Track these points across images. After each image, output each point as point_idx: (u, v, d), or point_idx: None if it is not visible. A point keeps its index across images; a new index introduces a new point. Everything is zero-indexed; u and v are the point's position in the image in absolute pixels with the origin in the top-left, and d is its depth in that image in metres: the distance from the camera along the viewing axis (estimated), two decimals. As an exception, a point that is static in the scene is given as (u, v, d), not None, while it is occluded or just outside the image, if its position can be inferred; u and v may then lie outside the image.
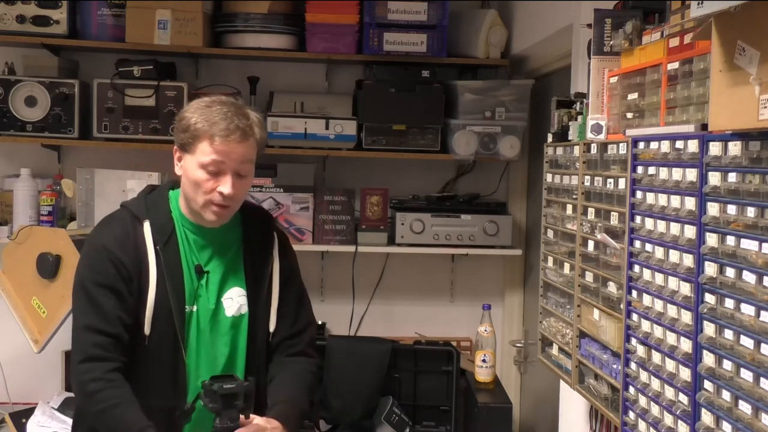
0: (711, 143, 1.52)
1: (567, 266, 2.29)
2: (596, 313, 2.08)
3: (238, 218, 2.15)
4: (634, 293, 1.84)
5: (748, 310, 1.39)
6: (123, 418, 1.91)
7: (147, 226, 2.03)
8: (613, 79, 2.07)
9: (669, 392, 1.68)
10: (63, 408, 3.33)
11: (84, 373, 1.95)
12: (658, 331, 1.73)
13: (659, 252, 1.72)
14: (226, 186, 1.98)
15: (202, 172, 1.99)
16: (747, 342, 1.39)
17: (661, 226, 1.72)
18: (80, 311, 2.02)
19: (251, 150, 2.03)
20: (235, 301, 2.09)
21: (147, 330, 1.99)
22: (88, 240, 2.13)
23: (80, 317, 2.01)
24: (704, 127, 1.56)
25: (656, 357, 1.74)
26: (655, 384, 1.74)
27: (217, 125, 1.97)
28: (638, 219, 1.83)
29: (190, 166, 2.01)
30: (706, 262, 1.52)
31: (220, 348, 2.06)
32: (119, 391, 1.94)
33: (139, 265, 2.00)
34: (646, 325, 1.79)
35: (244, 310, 2.10)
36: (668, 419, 1.68)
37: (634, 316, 1.84)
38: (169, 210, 2.08)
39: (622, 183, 1.92)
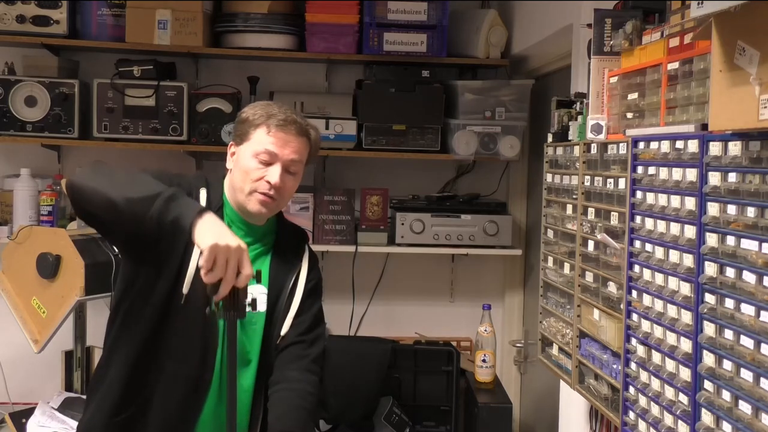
0: (711, 143, 1.52)
1: (567, 266, 2.29)
2: (596, 313, 2.08)
3: (274, 226, 2.18)
4: (634, 293, 1.84)
5: (748, 310, 1.39)
6: (149, 177, 1.86)
7: (203, 193, 2.06)
8: (613, 79, 2.07)
9: (669, 392, 1.68)
10: (63, 408, 3.33)
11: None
12: (658, 331, 1.73)
13: (659, 252, 1.72)
14: (274, 175, 2.02)
15: (254, 160, 2.03)
16: (747, 342, 1.39)
17: (661, 226, 1.72)
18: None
19: (304, 148, 2.08)
20: (255, 297, 2.09)
21: (185, 289, 1.94)
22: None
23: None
24: (704, 127, 1.56)
25: (656, 357, 1.74)
26: (655, 384, 1.74)
27: (275, 116, 2.04)
28: (638, 219, 1.83)
29: (244, 154, 2.05)
30: (706, 262, 1.52)
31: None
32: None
33: None
34: (646, 325, 1.79)
35: (262, 308, 2.09)
36: (668, 419, 1.68)
37: (634, 316, 1.84)
38: (221, 191, 2.12)
39: (622, 183, 1.92)
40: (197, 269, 1.92)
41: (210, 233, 1.74)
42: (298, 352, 2.11)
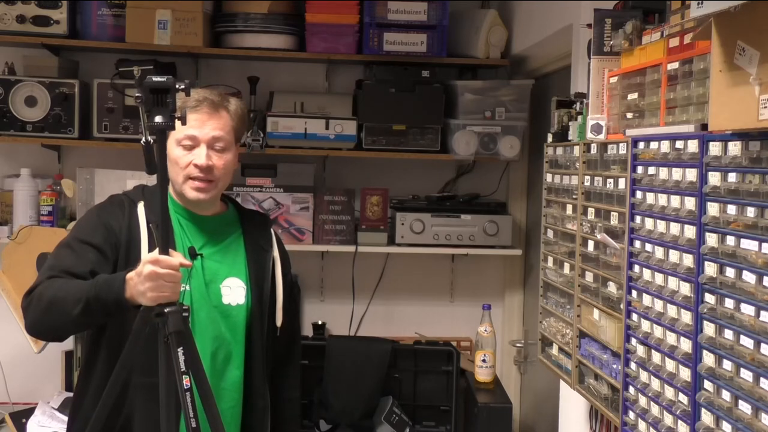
0: (711, 143, 1.52)
1: (567, 266, 2.29)
2: (596, 313, 2.08)
3: (235, 217, 2.21)
4: (634, 293, 1.84)
5: (748, 310, 1.39)
6: (71, 289, 1.89)
7: (141, 207, 2.07)
8: (613, 79, 2.07)
9: (669, 392, 1.68)
10: (63, 408, 3.33)
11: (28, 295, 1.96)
12: (658, 331, 1.73)
13: (659, 252, 1.72)
14: (200, 157, 2.04)
15: (179, 149, 2.06)
16: (747, 342, 1.39)
17: (661, 226, 1.72)
18: (52, 258, 2.03)
19: (225, 122, 2.09)
20: (233, 290, 2.12)
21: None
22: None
23: (49, 261, 2.02)
24: (704, 127, 1.56)
25: (656, 357, 1.74)
26: (655, 384, 1.74)
27: (188, 101, 2.06)
28: (638, 219, 1.83)
29: (170, 147, 2.07)
30: (706, 262, 1.52)
31: (211, 333, 2.06)
32: (61, 279, 1.93)
33: (129, 239, 2.03)
34: (646, 325, 1.79)
35: (242, 301, 2.12)
36: (668, 419, 1.68)
37: (634, 316, 1.84)
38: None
39: (622, 183, 1.92)
40: None
41: (144, 292, 1.80)
42: (290, 346, 2.27)
